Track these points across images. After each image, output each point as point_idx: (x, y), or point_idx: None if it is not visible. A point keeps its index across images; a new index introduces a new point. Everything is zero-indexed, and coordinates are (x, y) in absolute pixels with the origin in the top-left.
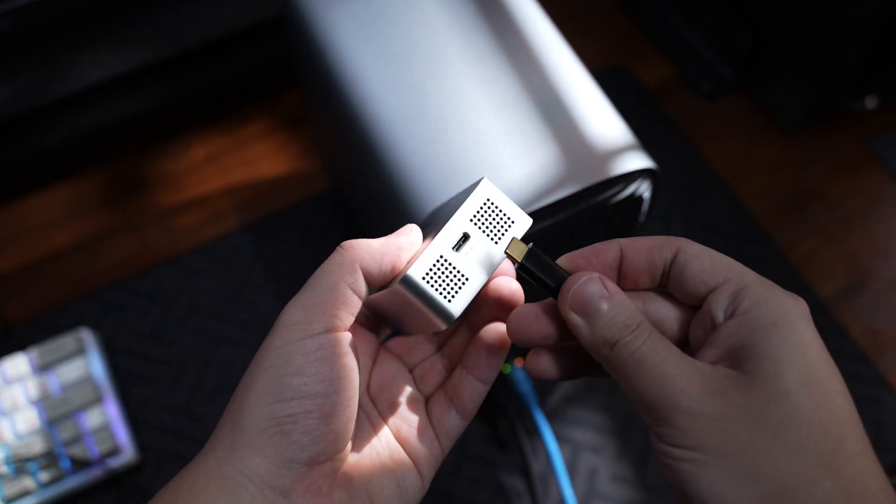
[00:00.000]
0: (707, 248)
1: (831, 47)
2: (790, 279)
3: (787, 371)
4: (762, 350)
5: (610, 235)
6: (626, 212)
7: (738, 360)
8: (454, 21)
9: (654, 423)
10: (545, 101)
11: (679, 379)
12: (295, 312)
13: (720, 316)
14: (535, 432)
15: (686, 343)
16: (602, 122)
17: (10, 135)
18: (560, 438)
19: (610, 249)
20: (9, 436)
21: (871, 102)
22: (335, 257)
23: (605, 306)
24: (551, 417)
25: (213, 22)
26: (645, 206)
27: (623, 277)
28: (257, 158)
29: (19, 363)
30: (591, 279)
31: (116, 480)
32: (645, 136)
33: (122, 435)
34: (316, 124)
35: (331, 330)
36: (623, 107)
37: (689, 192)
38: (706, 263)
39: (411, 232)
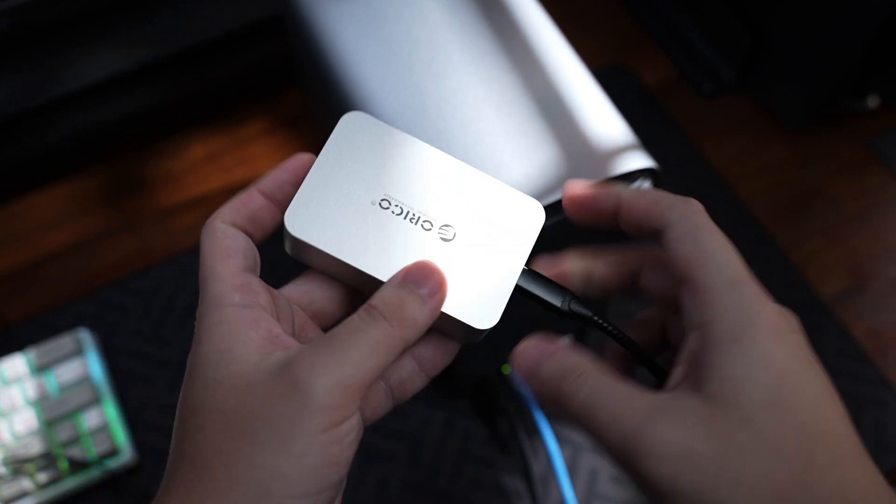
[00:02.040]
0: (698, 229)
1: (832, 47)
2: (791, 279)
3: (748, 392)
4: (723, 371)
5: (610, 235)
6: None
7: (701, 381)
8: (454, 20)
9: (627, 473)
10: (545, 101)
11: (633, 419)
12: (330, 390)
13: (686, 321)
14: (535, 433)
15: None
16: (602, 121)
17: (9, 134)
18: (560, 439)
19: (608, 199)
20: (7, 437)
21: (872, 102)
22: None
23: (544, 368)
24: (551, 418)
25: (212, 21)
26: None
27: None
28: (257, 158)
29: (17, 364)
30: (527, 346)
31: (115, 481)
32: (645, 136)
33: (121, 436)
34: (316, 124)
35: (358, 410)
36: (623, 106)
37: (690, 192)
38: (683, 250)
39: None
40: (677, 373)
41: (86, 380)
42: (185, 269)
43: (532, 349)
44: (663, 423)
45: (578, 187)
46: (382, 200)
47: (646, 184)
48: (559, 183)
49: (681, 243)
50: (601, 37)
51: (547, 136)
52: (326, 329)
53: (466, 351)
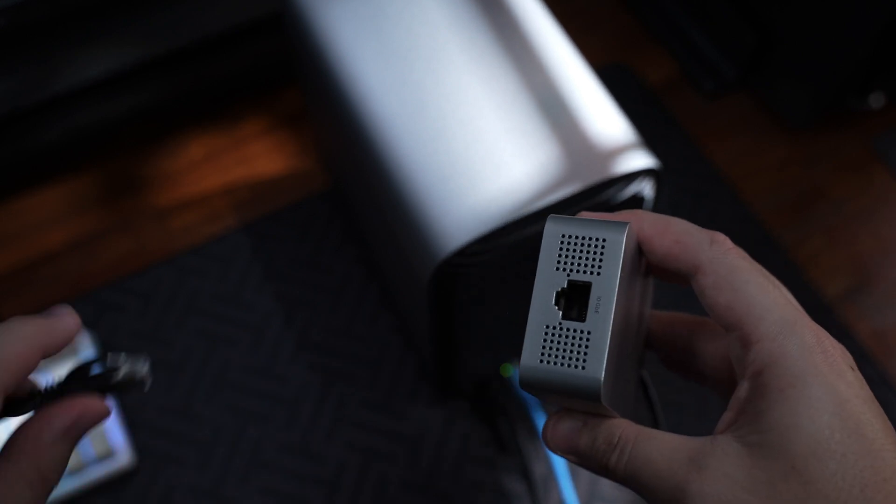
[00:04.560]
0: (733, 273)
1: (838, 45)
2: (795, 280)
3: (795, 442)
4: (769, 421)
5: None
6: None
7: (746, 430)
8: (454, 18)
9: None
10: (546, 99)
11: (675, 476)
12: None
13: (738, 368)
14: (536, 434)
15: None
16: (604, 120)
17: (4, 133)
18: None
19: None
20: (4, 438)
21: (878, 101)
22: None
23: (580, 444)
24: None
25: (210, 19)
26: (647, 206)
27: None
28: (255, 157)
29: None
30: (559, 418)
31: (112, 484)
32: (647, 135)
33: (118, 437)
34: (315, 122)
35: None
36: (625, 105)
37: (693, 191)
38: (723, 299)
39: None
40: (724, 419)
41: None
42: (184, 268)
43: (561, 427)
44: (704, 475)
45: (592, 216)
46: (629, 324)
47: (646, 187)
48: (560, 182)
49: (718, 291)
50: (603, 35)
51: (548, 135)
52: None
53: (466, 352)
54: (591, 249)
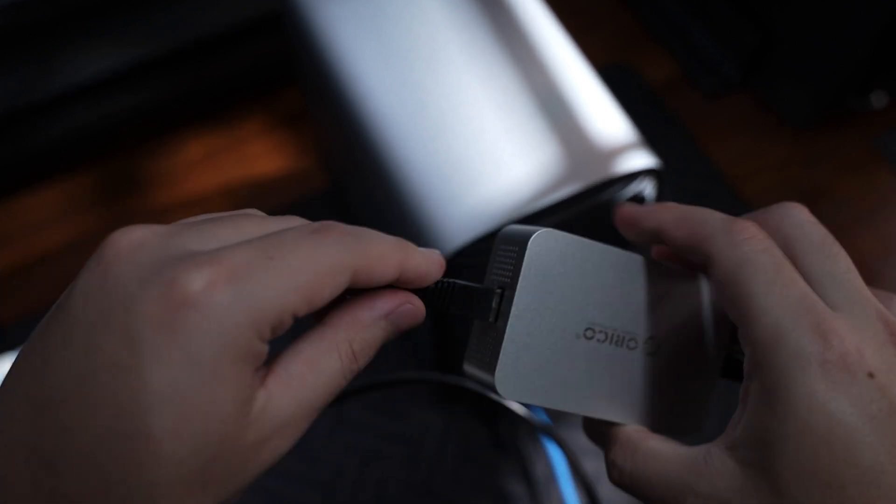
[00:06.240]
0: (740, 267)
1: (838, 45)
2: None
3: (778, 465)
4: (756, 436)
5: (612, 235)
6: None
7: (740, 440)
8: (454, 17)
9: None
10: (547, 99)
11: (671, 495)
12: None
13: (745, 368)
14: (536, 436)
15: None
16: (605, 120)
17: (4, 133)
18: (561, 442)
19: (650, 222)
20: None
21: (880, 100)
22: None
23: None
24: (553, 420)
25: (210, 19)
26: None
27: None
28: (255, 157)
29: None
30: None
31: None
32: (649, 135)
33: None
34: (315, 122)
35: None
36: (626, 105)
37: (693, 191)
38: (727, 294)
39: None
40: (735, 416)
41: None
42: None
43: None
44: (696, 499)
45: (626, 208)
46: (587, 331)
47: (647, 186)
48: (560, 182)
49: (724, 286)
50: (603, 35)
51: (548, 135)
52: None
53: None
54: (511, 257)
